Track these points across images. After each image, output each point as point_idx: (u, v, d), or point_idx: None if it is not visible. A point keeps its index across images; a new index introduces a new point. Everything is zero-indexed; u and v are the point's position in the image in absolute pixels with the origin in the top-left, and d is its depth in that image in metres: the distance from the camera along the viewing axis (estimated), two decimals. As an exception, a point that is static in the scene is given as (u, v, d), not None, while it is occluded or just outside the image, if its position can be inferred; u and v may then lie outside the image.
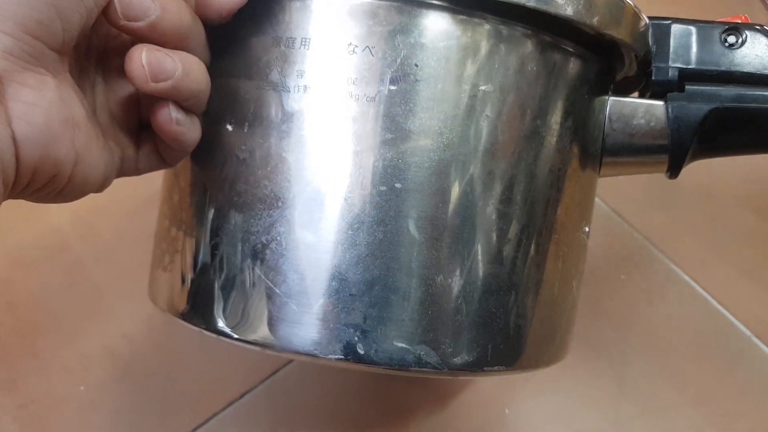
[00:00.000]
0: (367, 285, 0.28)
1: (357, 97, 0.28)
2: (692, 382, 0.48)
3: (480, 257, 0.29)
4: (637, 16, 0.32)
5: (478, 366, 0.30)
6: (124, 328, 0.49)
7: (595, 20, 0.30)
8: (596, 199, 0.53)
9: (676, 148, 0.34)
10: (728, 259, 0.52)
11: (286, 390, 0.47)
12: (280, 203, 0.29)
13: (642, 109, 0.34)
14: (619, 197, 0.55)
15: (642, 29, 0.33)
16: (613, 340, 0.49)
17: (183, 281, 0.32)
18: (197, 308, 0.31)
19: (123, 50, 0.29)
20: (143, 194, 0.51)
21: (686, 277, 0.52)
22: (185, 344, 0.48)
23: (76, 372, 0.47)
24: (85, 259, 0.51)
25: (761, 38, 0.34)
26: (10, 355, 0.48)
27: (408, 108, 0.28)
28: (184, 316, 0.32)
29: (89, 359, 0.48)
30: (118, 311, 0.49)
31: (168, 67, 0.27)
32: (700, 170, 0.54)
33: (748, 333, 0.49)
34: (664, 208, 0.55)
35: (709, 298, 0.51)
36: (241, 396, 0.47)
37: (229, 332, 0.30)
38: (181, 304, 0.32)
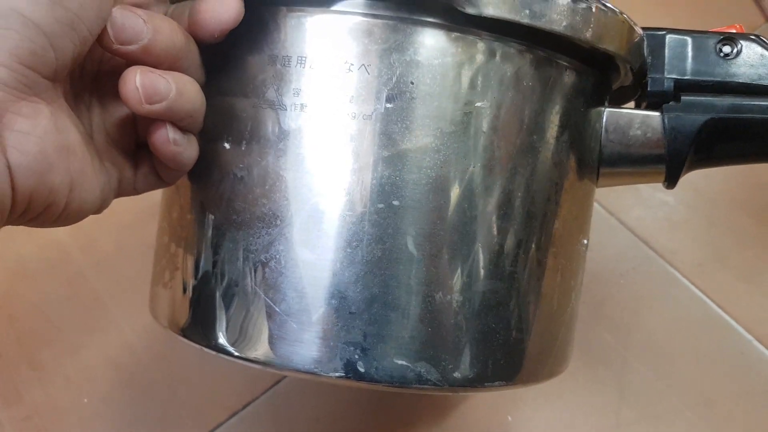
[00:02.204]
0: (366, 303, 0.28)
1: (354, 115, 0.28)
2: (692, 387, 0.48)
3: (479, 273, 0.29)
4: (631, 29, 0.33)
5: (478, 382, 0.30)
6: (126, 339, 0.49)
7: (589, 34, 0.30)
8: (595, 204, 0.54)
9: (673, 159, 0.34)
10: (727, 263, 0.52)
11: (287, 401, 0.48)
12: (278, 221, 0.29)
13: (638, 120, 0.34)
14: (618, 202, 0.55)
15: (636, 41, 0.33)
16: (613, 346, 0.49)
17: (183, 298, 0.32)
18: (198, 325, 0.31)
19: (117, 72, 0.29)
20: (142, 206, 0.51)
21: (685, 281, 0.52)
22: (187, 355, 0.48)
23: (79, 383, 0.48)
24: (86, 270, 0.51)
25: (756, 48, 0.34)
26: (13, 367, 0.48)
27: (404, 125, 0.28)
28: (185, 333, 0.32)
29: (92, 370, 0.48)
30: (120, 322, 0.50)
31: (162, 88, 0.27)
32: (698, 175, 0.55)
33: (748, 336, 0.49)
34: (662, 213, 0.55)
35: (709, 301, 0.51)
36: (244, 407, 0.47)
37: (230, 350, 0.30)
38: (182, 321, 0.32)
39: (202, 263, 0.31)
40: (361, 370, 0.28)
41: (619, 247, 0.53)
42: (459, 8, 0.28)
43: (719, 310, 0.50)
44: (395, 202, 0.28)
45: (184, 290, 0.32)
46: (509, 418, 0.47)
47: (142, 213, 0.52)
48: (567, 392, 0.48)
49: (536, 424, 0.47)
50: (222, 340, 0.30)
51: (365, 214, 0.28)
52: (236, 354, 0.30)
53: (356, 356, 0.28)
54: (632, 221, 0.54)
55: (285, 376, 0.48)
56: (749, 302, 0.51)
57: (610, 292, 0.51)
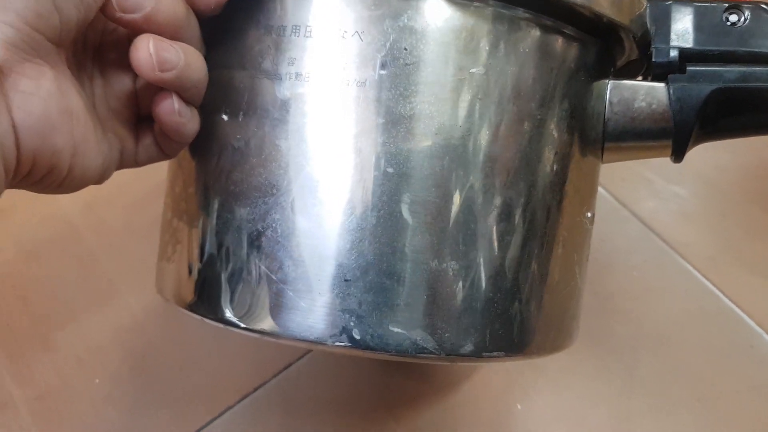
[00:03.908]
0: (361, 270, 0.28)
1: (348, 82, 0.28)
2: (702, 379, 0.47)
3: (474, 241, 0.29)
4: (634, -3, 0.32)
5: (476, 352, 0.30)
6: (137, 321, 0.50)
7: (592, 2, 0.30)
8: (607, 195, 0.54)
9: (679, 131, 0.34)
10: (739, 255, 0.52)
11: (298, 383, 0.48)
12: (274, 190, 0.29)
13: (643, 92, 0.34)
14: (631, 193, 0.54)
15: (640, 10, 0.33)
16: (624, 337, 0.49)
17: (189, 272, 0.32)
18: (203, 298, 0.32)
19: (119, 45, 0.30)
20: (150, 184, 0.52)
21: (697, 274, 0.51)
22: (198, 337, 0.49)
23: (91, 364, 0.48)
24: (96, 251, 0.52)
25: (764, 16, 0.33)
26: (25, 347, 0.49)
27: (398, 92, 0.28)
28: (191, 307, 0.32)
29: (103, 351, 0.49)
30: (131, 303, 0.50)
31: (172, 57, 0.28)
32: (711, 167, 0.55)
33: (758, 330, 0.49)
34: (675, 205, 0.54)
35: (720, 294, 0.50)
36: (255, 389, 0.47)
37: (236, 321, 0.30)
38: (188, 295, 0.32)
39: (204, 236, 0.31)
40: (357, 337, 0.28)
41: (631, 238, 0.53)
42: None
43: (730, 303, 0.50)
44: (389, 170, 0.28)
45: (189, 264, 0.32)
46: (519, 406, 0.46)
47: (150, 192, 0.52)
48: (577, 382, 0.47)
49: (545, 413, 0.46)
50: (229, 312, 0.30)
51: (359, 182, 0.28)
52: (238, 323, 0.30)
53: (351, 323, 0.28)
54: (644, 213, 0.54)
55: (296, 360, 0.48)
56: (761, 296, 0.50)
57: (621, 283, 0.51)
